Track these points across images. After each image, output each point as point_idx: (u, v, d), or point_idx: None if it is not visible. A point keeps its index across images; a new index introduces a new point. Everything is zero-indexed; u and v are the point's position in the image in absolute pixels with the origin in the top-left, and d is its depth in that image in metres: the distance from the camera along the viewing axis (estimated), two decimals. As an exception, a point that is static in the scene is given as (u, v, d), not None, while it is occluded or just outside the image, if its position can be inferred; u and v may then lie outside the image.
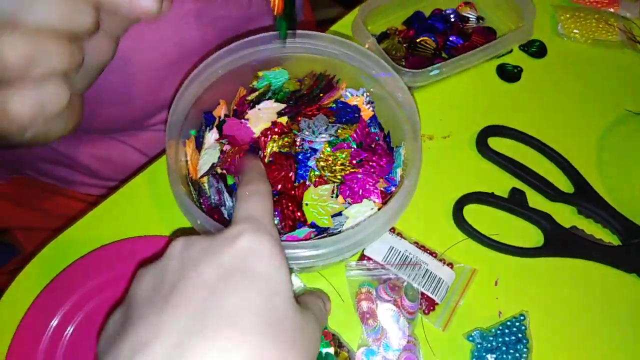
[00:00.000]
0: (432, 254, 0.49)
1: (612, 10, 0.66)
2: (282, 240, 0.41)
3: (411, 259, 0.48)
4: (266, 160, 0.46)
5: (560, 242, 0.50)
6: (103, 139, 0.63)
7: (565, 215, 0.52)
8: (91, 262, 0.45)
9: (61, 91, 0.30)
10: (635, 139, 0.57)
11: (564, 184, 0.54)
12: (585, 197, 0.52)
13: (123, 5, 0.30)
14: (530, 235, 0.51)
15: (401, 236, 0.49)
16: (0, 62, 0.28)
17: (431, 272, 0.47)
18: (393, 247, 0.48)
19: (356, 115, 0.48)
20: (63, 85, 0.30)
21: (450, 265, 0.48)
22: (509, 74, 0.62)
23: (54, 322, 0.43)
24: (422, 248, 0.49)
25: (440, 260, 0.49)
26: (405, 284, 0.46)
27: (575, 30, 0.64)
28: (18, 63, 0.28)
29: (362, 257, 0.48)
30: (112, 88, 0.52)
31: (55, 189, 0.71)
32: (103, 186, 0.69)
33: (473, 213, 0.52)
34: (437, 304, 0.47)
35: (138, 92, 0.55)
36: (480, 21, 0.65)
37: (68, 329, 0.43)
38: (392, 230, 0.50)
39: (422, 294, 0.46)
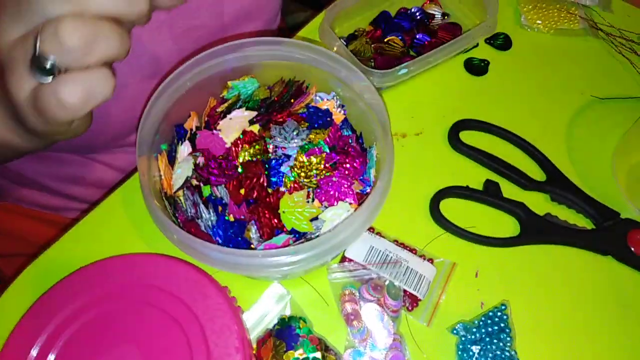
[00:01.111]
0: (412, 250, 0.50)
1: (572, -1, 0.68)
2: (260, 250, 0.42)
3: (391, 257, 0.48)
4: (239, 169, 0.46)
5: (536, 230, 0.51)
6: (80, 160, 0.62)
7: (539, 203, 0.53)
8: (70, 285, 0.45)
9: (109, 78, 0.31)
10: (601, 123, 0.59)
11: (536, 173, 0.55)
12: (557, 184, 0.54)
13: None
14: (507, 225, 0.52)
15: (380, 235, 0.50)
16: (61, 45, 0.28)
17: (412, 269, 0.48)
18: (373, 247, 0.49)
19: (328, 119, 0.48)
20: (110, 73, 0.31)
21: (431, 260, 0.49)
22: (476, 67, 0.63)
23: (34, 352, 0.42)
24: (402, 245, 0.50)
25: (421, 256, 0.49)
26: (387, 282, 0.46)
27: (538, 21, 0.65)
28: (77, 48, 0.29)
29: (344, 258, 0.48)
30: None
31: (35, 213, 0.70)
32: (83, 209, 0.68)
33: (450, 207, 0.52)
34: (419, 300, 0.47)
35: (115, 110, 0.54)
36: (445, 17, 0.66)
37: (49, 357, 0.42)
38: (372, 229, 0.50)
39: (405, 291, 0.47)
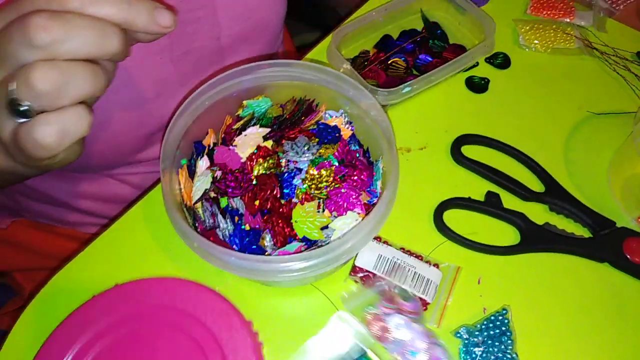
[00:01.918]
0: (419, 257, 0.52)
1: (568, 20, 0.71)
2: (274, 256, 0.45)
3: (399, 264, 0.51)
4: (254, 182, 0.49)
5: (535, 239, 0.54)
6: (94, 177, 0.65)
7: (538, 213, 0.56)
8: (102, 303, 0.46)
9: (84, 116, 0.32)
10: (597, 137, 0.61)
11: (535, 184, 0.58)
12: (555, 195, 0.56)
13: (141, 22, 0.32)
14: (507, 234, 0.55)
15: (388, 244, 0.53)
16: (33, 91, 0.30)
17: (419, 274, 0.51)
18: (381, 255, 0.51)
19: (337, 135, 0.52)
20: (85, 111, 0.32)
21: (436, 265, 0.52)
22: (477, 85, 0.66)
23: None
24: (409, 253, 0.52)
25: (427, 262, 0.52)
26: (395, 289, 0.49)
27: (535, 41, 0.69)
28: (49, 92, 0.30)
29: (354, 267, 0.51)
30: (94, 125, 0.54)
31: (52, 228, 0.73)
32: (100, 224, 0.71)
33: (453, 217, 0.55)
34: (428, 303, 0.50)
35: (120, 130, 0.57)
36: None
37: None
38: (379, 239, 0.53)
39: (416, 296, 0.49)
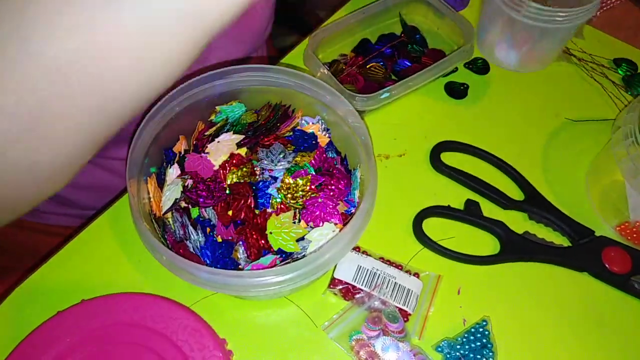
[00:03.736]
0: (398, 266, 0.51)
1: (545, 26, 0.71)
2: (248, 270, 0.43)
3: (379, 274, 0.50)
4: (227, 191, 0.47)
5: (515, 248, 0.53)
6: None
7: (518, 222, 0.55)
8: (60, 324, 0.44)
9: None
10: (575, 145, 0.61)
11: (514, 192, 0.57)
12: (535, 203, 0.56)
13: None
14: (487, 244, 0.54)
15: (367, 254, 0.51)
16: None
17: (400, 285, 0.49)
18: (361, 266, 0.50)
19: (314, 142, 0.50)
20: None
21: (416, 275, 0.50)
22: (456, 91, 0.65)
23: None
24: (388, 262, 0.51)
25: (407, 271, 0.50)
26: (382, 310, 0.47)
27: (513, 47, 0.68)
28: None
29: (333, 280, 0.49)
30: None
31: (20, 222, 0.69)
32: (74, 215, 0.68)
33: (432, 226, 0.54)
34: (409, 314, 0.48)
35: None
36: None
37: None
38: (357, 249, 0.52)
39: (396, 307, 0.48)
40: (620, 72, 0.67)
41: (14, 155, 0.29)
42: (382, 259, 0.51)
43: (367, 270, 0.50)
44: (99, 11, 0.26)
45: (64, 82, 0.27)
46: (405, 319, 0.48)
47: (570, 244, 0.54)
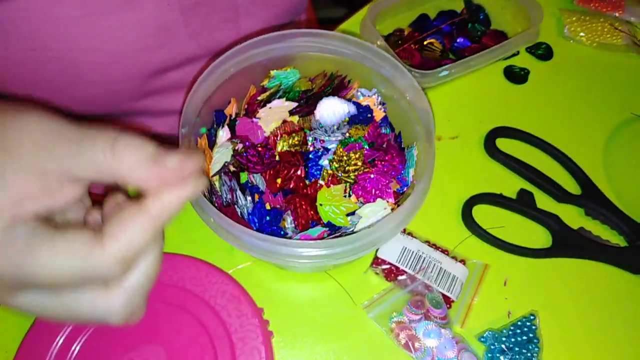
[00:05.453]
0: (444, 251, 0.49)
1: (617, 14, 0.67)
2: (295, 240, 0.41)
3: (424, 257, 0.48)
4: (276, 158, 0.46)
5: (568, 243, 0.50)
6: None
7: (573, 217, 0.53)
8: None
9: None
10: (640, 141, 0.58)
11: (571, 186, 0.54)
12: (592, 199, 0.53)
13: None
14: (538, 236, 0.52)
15: (412, 236, 0.50)
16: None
17: (445, 270, 0.48)
18: (406, 247, 0.48)
19: (369, 115, 0.48)
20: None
21: (463, 262, 0.49)
22: (516, 75, 0.62)
23: (60, 339, 0.42)
24: (434, 246, 0.49)
25: (453, 257, 0.49)
26: (426, 294, 0.46)
27: (581, 33, 0.65)
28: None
29: (376, 259, 0.48)
30: (89, 68, 0.48)
31: None
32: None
33: (482, 213, 0.52)
34: (452, 301, 0.47)
35: (116, 74, 0.51)
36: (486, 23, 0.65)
37: (74, 347, 0.42)
38: (403, 230, 0.50)
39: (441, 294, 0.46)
40: (694, 68, 0.63)
41: None
42: (428, 243, 0.50)
43: (413, 252, 0.48)
44: None
45: None
46: (448, 306, 0.47)
47: (627, 245, 0.51)
